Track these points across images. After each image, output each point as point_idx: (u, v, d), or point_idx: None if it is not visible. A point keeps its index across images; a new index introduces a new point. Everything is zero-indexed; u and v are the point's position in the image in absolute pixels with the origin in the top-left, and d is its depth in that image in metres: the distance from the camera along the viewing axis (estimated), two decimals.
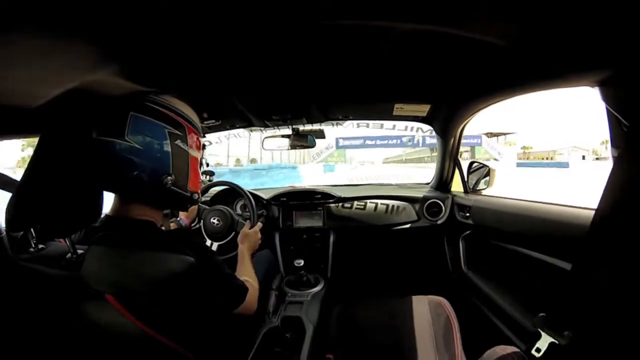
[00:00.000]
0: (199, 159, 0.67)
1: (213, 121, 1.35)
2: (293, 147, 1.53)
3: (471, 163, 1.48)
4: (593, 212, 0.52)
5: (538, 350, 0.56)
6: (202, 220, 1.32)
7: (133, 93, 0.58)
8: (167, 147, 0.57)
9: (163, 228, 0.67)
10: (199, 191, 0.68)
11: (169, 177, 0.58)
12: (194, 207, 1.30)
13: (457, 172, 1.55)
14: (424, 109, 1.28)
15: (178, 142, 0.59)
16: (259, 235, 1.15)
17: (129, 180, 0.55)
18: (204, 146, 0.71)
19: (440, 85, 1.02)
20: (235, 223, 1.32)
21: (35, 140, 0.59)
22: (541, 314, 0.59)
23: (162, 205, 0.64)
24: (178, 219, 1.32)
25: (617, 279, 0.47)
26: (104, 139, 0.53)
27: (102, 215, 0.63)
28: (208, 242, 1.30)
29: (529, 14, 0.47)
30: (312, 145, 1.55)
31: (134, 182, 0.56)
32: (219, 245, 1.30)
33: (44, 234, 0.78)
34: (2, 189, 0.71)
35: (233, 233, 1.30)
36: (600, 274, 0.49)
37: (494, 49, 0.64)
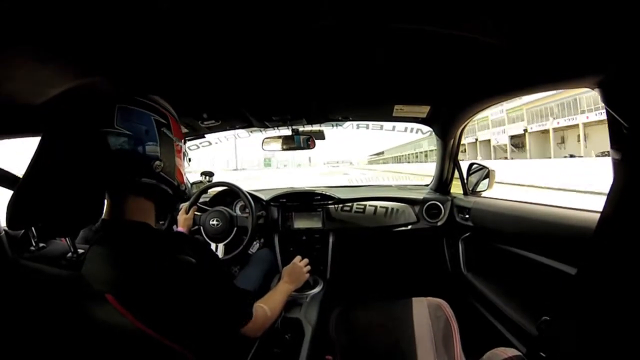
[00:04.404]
0: (182, 151, 0.68)
1: (213, 121, 1.35)
2: (291, 148, 1.54)
3: (471, 165, 1.47)
4: (595, 214, 0.52)
5: (540, 354, 0.56)
6: (201, 227, 1.33)
7: (119, 91, 0.60)
8: (155, 134, 0.59)
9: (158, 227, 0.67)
10: (185, 183, 0.69)
11: (157, 162, 0.59)
12: (190, 217, 1.29)
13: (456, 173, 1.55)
14: (423, 110, 1.28)
15: (164, 129, 0.61)
16: (304, 270, 1.08)
17: (122, 169, 0.56)
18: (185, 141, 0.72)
19: (440, 86, 1.03)
20: (234, 218, 1.33)
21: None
22: (544, 318, 0.58)
23: (153, 195, 0.64)
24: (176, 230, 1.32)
25: (624, 284, 0.46)
26: (95, 131, 0.55)
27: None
28: (213, 246, 1.30)
29: (528, 14, 0.47)
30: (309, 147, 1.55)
31: (127, 169, 0.56)
32: (224, 245, 1.31)
33: (45, 233, 0.78)
34: (4, 186, 0.71)
35: (235, 230, 1.31)
36: (606, 279, 0.49)
37: (493, 51, 0.65)
